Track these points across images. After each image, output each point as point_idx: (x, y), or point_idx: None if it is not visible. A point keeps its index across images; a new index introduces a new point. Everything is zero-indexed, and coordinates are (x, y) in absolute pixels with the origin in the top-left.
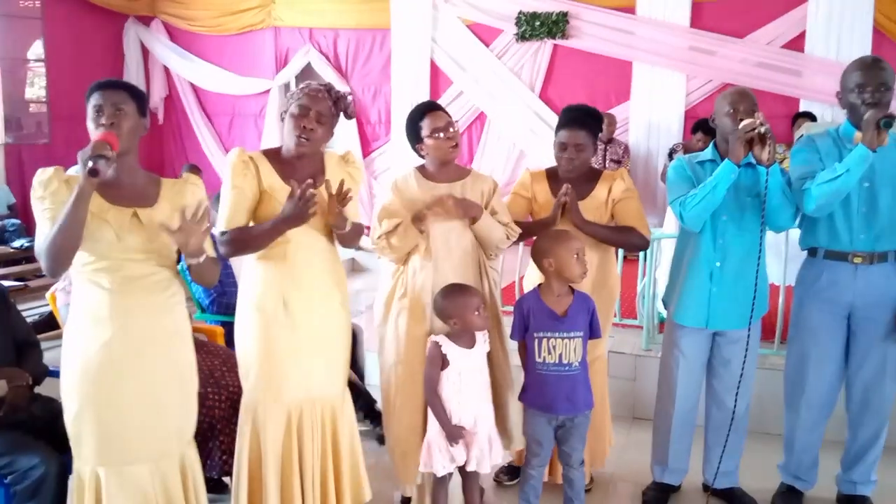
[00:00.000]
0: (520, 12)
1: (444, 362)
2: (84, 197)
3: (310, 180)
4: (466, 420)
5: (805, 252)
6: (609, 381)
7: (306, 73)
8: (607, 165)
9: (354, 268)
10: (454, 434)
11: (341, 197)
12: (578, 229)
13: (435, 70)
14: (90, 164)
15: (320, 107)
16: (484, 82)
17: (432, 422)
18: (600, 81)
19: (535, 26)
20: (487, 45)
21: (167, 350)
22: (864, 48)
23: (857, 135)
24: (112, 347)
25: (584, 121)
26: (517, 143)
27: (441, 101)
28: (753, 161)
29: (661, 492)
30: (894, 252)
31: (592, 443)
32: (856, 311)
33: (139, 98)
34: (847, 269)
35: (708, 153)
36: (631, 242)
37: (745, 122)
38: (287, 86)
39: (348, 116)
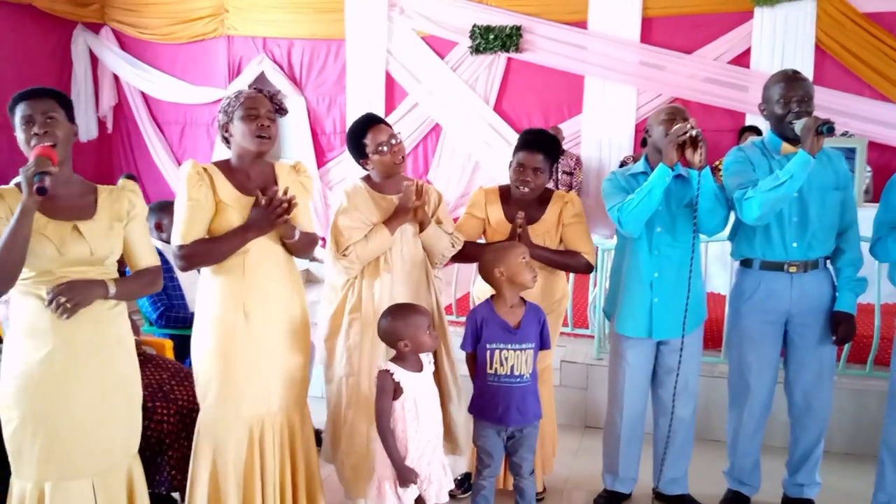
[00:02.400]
0: (474, 25)
1: (396, 391)
2: (28, 214)
3: (275, 187)
4: (426, 449)
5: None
6: (561, 390)
7: (259, 82)
8: (559, 177)
9: (309, 279)
10: (407, 477)
11: (287, 205)
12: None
13: (390, 81)
14: (36, 181)
15: (267, 106)
16: (439, 94)
17: (381, 457)
18: (553, 94)
19: (490, 39)
20: (442, 58)
21: (110, 361)
22: (806, 64)
23: (785, 145)
24: (53, 359)
25: (543, 145)
26: (472, 155)
27: (396, 113)
28: (684, 173)
29: (612, 500)
30: (824, 259)
31: (540, 452)
32: (793, 319)
33: (67, 104)
34: (783, 278)
35: (640, 166)
36: (576, 267)
37: (677, 126)
38: None
39: (283, 113)
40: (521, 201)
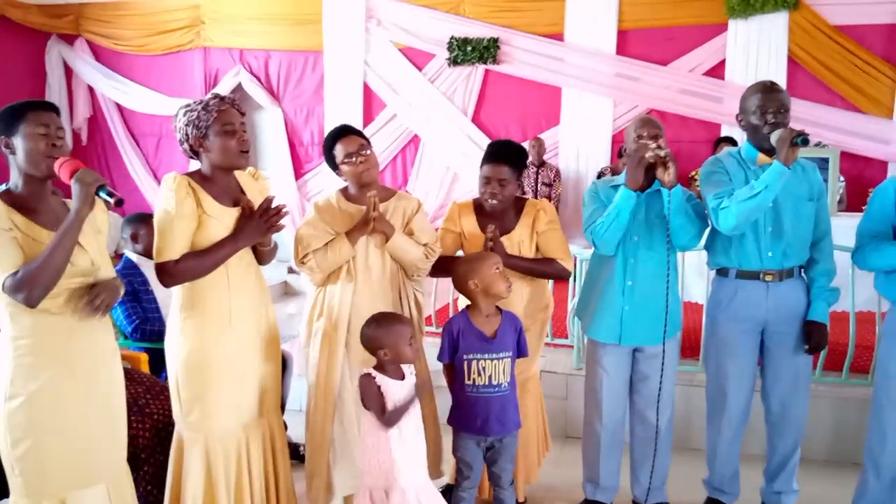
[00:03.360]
0: (452, 37)
1: (378, 398)
2: (82, 222)
3: (271, 195)
4: (407, 462)
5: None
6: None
7: (236, 93)
8: (539, 189)
9: (287, 291)
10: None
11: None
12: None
13: (368, 93)
14: (110, 195)
15: (240, 117)
16: (417, 106)
17: (368, 467)
18: (531, 106)
19: (467, 51)
20: (420, 69)
21: (110, 367)
22: (779, 76)
23: (761, 156)
24: (63, 372)
25: (507, 155)
26: (451, 167)
27: (374, 124)
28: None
29: None
30: (799, 268)
31: (524, 461)
32: (769, 327)
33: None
34: (759, 287)
35: (622, 178)
36: (553, 273)
37: (640, 144)
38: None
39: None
40: (494, 212)
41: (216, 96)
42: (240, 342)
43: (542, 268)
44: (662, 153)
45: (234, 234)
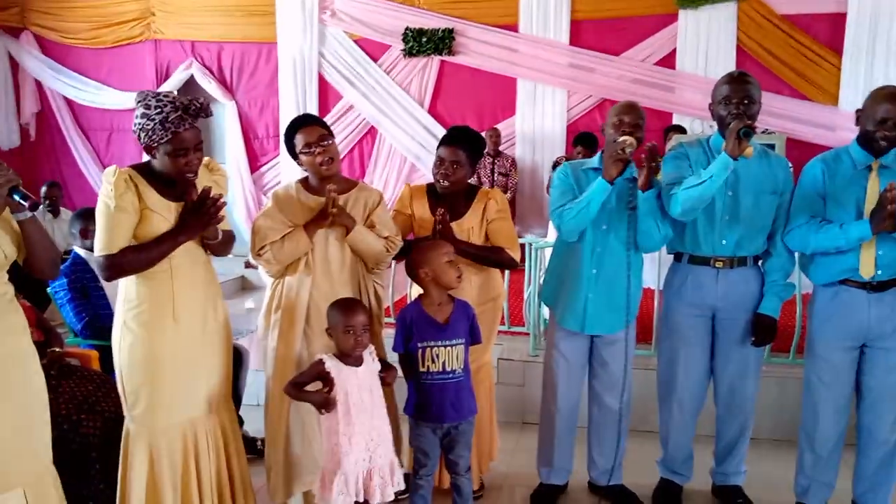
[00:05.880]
0: (406, 28)
1: (329, 383)
2: None
3: (208, 186)
4: (357, 445)
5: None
6: (499, 388)
7: (189, 86)
8: (496, 178)
9: (245, 286)
10: (325, 401)
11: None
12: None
13: (323, 84)
14: (24, 197)
15: (193, 136)
16: (373, 97)
17: (327, 450)
18: (487, 97)
19: (422, 42)
20: (375, 60)
21: (25, 368)
22: (729, 65)
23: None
24: None
25: (463, 140)
26: (408, 157)
27: (330, 116)
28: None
29: (548, 494)
30: (753, 257)
31: (480, 448)
32: (718, 314)
33: None
34: (710, 273)
35: (595, 161)
36: (499, 262)
37: (618, 141)
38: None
39: (208, 116)
40: (446, 197)
41: (180, 108)
42: (185, 336)
43: (489, 255)
44: (629, 151)
45: (175, 228)
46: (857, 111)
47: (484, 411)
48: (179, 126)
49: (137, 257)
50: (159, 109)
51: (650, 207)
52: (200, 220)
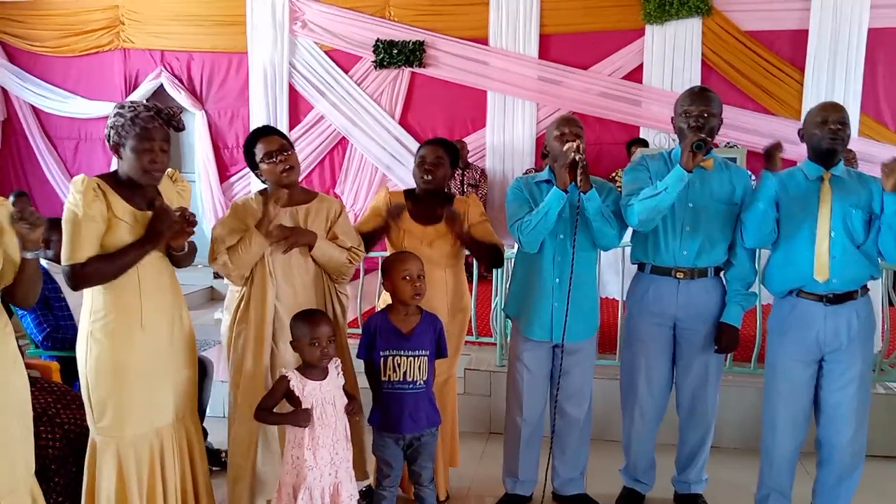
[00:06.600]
0: (377, 40)
1: (293, 398)
2: None
3: (184, 206)
4: (322, 459)
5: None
6: (465, 398)
7: (158, 95)
8: (465, 190)
9: (213, 297)
10: (302, 418)
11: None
12: (461, 241)
13: (294, 95)
14: None
15: (161, 135)
16: (344, 107)
17: (286, 462)
18: (457, 109)
19: (393, 54)
20: (346, 72)
21: (8, 379)
22: (694, 79)
23: None
24: None
25: (443, 143)
26: (379, 169)
27: (301, 126)
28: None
29: (513, 503)
30: (714, 268)
31: (444, 460)
32: (679, 323)
33: None
34: (671, 283)
35: (544, 174)
36: (499, 256)
37: (566, 147)
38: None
39: (180, 130)
40: (426, 201)
41: (152, 110)
42: (152, 346)
43: (493, 250)
44: (577, 157)
45: (143, 238)
46: (799, 131)
47: (447, 422)
48: (149, 122)
49: (105, 266)
50: (132, 109)
51: (596, 206)
52: (170, 230)
